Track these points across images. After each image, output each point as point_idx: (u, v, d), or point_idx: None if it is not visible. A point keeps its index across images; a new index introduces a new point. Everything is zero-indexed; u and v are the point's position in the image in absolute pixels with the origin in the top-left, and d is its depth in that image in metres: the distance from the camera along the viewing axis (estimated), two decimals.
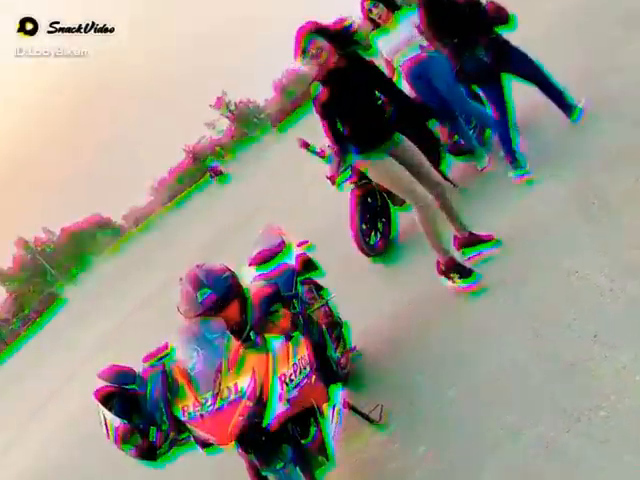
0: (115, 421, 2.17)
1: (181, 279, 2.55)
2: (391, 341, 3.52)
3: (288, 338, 2.43)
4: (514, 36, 3.98)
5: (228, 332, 2.30)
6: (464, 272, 3.36)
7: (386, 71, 4.48)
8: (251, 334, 2.39)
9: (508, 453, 2.24)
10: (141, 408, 2.21)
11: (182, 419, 2.20)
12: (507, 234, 3.52)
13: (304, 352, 2.48)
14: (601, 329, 2.42)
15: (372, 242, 4.78)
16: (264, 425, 2.22)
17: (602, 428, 2.04)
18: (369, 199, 4.71)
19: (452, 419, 2.61)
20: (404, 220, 4.77)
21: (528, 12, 6.62)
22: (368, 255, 4.70)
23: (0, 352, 34.26)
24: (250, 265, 3.26)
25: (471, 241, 3.54)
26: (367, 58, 3.38)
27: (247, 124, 64.53)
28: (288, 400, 2.28)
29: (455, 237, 3.60)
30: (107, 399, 2.19)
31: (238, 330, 2.41)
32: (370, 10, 4.52)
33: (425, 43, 4.41)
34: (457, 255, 3.51)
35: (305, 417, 2.47)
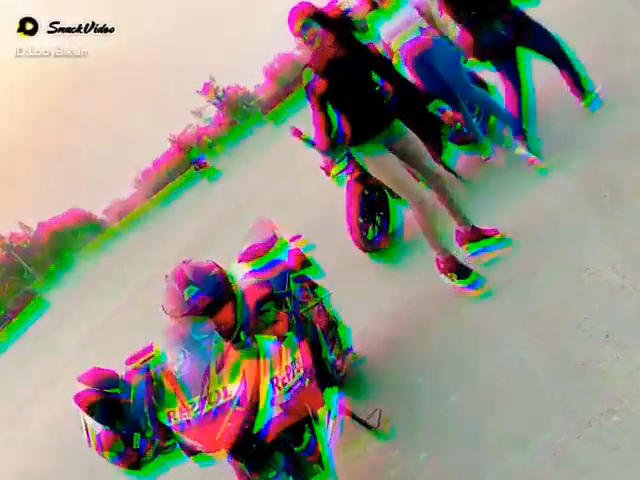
0: (97, 427, 2.16)
1: (167, 277, 2.53)
2: (390, 341, 3.52)
3: (281, 339, 2.42)
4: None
5: (216, 333, 2.29)
6: (462, 272, 3.35)
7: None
8: (241, 334, 2.37)
9: (513, 460, 2.24)
10: (124, 414, 2.20)
11: (168, 425, 2.19)
12: (513, 228, 3.51)
13: (298, 354, 2.46)
14: (613, 329, 2.41)
15: (369, 237, 4.76)
16: (255, 431, 2.20)
17: (614, 434, 2.03)
18: (366, 191, 4.69)
19: (454, 424, 2.61)
20: (404, 215, 4.75)
21: None
22: (365, 250, 4.69)
23: None
24: (240, 261, 3.24)
25: (475, 236, 3.53)
26: (365, 43, 3.37)
27: (237, 112, 64.22)
28: (281, 405, 2.26)
29: (457, 232, 3.58)
30: (88, 404, 2.17)
31: (227, 330, 2.39)
32: None
33: (425, 25, 4.38)
34: (459, 252, 3.50)
35: (299, 423, 2.45)
